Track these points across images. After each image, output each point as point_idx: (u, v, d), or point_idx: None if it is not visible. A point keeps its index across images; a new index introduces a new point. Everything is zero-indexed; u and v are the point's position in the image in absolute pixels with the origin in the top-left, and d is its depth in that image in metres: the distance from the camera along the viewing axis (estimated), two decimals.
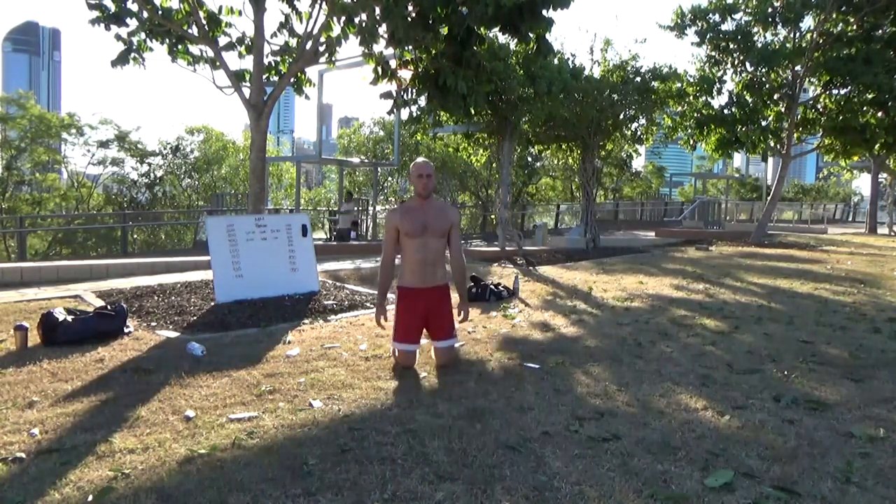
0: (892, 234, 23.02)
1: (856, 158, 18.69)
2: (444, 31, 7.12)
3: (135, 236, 26.41)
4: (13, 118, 30.42)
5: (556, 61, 12.10)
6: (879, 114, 14.82)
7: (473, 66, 7.42)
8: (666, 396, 3.49)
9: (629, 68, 13.31)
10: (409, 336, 4.02)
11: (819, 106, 16.27)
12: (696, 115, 15.76)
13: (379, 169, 29.66)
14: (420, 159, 4.15)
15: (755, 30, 15.33)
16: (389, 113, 8.91)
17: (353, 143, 35.35)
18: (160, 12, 7.11)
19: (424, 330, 4.12)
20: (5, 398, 3.47)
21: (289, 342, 4.75)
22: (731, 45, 15.29)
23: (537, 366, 4.07)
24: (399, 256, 4.16)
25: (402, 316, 4.06)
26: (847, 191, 53.45)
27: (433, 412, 3.19)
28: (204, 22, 7.15)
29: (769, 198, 17.56)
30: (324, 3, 6.95)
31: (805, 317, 5.86)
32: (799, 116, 15.94)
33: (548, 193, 37.65)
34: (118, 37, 7.33)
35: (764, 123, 15.88)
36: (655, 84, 13.40)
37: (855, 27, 14.63)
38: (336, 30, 7.06)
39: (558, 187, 37.47)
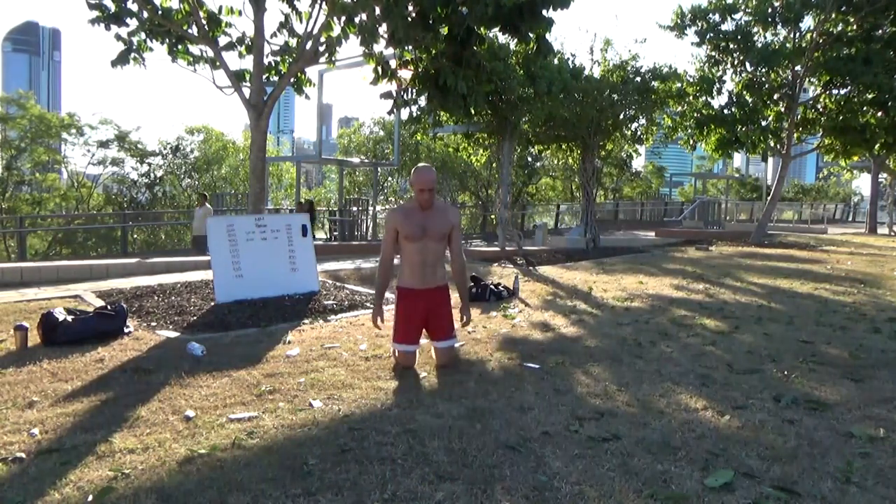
0: (892, 234, 23.03)
1: (856, 158, 18.69)
2: (444, 31, 7.13)
3: (135, 236, 26.42)
4: (13, 118, 30.46)
5: (556, 61, 12.11)
6: (879, 114, 14.81)
7: (473, 66, 7.42)
8: (666, 396, 3.49)
9: (629, 68, 13.32)
10: (409, 336, 4.02)
11: (819, 106, 16.28)
12: (696, 115, 15.77)
13: (379, 169, 29.68)
14: (422, 167, 4.01)
15: (755, 30, 15.34)
16: (389, 113, 8.92)
17: (353, 143, 35.40)
18: (160, 12, 7.11)
19: (424, 330, 4.12)
20: (5, 398, 3.47)
21: (289, 342, 4.75)
22: (731, 45, 15.30)
23: (537, 366, 4.07)
24: (398, 257, 4.15)
25: (402, 316, 4.06)
26: (847, 191, 53.46)
27: (433, 412, 3.19)
28: (204, 22, 7.15)
29: (769, 198, 17.57)
30: (324, 3, 6.95)
31: (805, 317, 5.86)
32: (799, 116, 15.94)
33: (548, 193, 37.66)
34: (118, 37, 7.34)
35: (764, 123, 15.89)
36: (655, 84, 13.41)
37: (855, 27, 14.63)
38: (336, 30, 7.06)
39: (558, 187, 37.48)
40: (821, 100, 16.19)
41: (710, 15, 15.34)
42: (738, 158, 45.64)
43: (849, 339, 4.99)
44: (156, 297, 6.49)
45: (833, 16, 14.50)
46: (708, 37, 15.41)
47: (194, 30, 7.17)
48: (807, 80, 15.51)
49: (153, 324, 5.45)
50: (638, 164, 39.74)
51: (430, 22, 6.89)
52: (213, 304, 6.15)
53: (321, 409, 3.25)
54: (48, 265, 8.82)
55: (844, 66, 14.01)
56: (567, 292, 7.28)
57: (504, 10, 6.55)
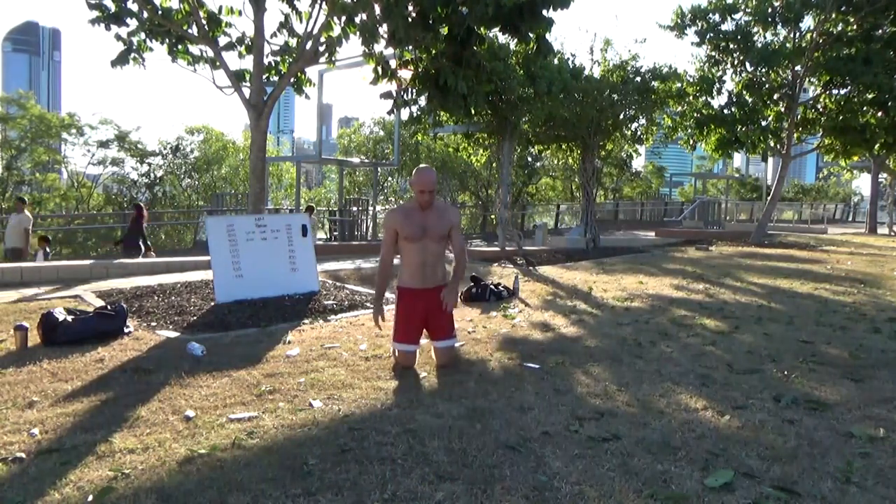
0: (892, 234, 23.03)
1: (856, 158, 18.69)
2: (444, 31, 7.13)
3: None
4: (13, 118, 30.46)
5: (556, 61, 12.12)
6: (879, 114, 14.82)
7: (473, 66, 7.43)
8: (666, 396, 3.49)
9: (629, 68, 13.32)
10: (409, 336, 4.02)
11: (819, 106, 16.28)
12: (696, 115, 15.77)
13: (379, 169, 29.68)
14: (423, 168, 4.01)
15: (755, 30, 15.34)
16: (389, 113, 8.92)
17: (353, 143, 35.40)
18: (160, 12, 7.12)
19: (424, 330, 4.12)
20: (5, 398, 3.47)
21: (289, 342, 4.75)
22: (731, 45, 15.30)
23: (537, 366, 4.07)
24: (398, 257, 4.16)
25: (402, 316, 4.06)
26: (847, 191, 53.46)
27: (433, 412, 3.19)
28: (204, 22, 7.15)
29: (769, 198, 17.57)
30: (324, 3, 6.95)
31: (805, 317, 5.86)
32: (799, 116, 15.94)
33: (548, 193, 37.67)
34: (118, 37, 7.34)
35: (764, 123, 15.90)
36: (655, 84, 13.41)
37: (855, 27, 14.63)
38: (336, 30, 7.07)
39: (558, 187, 37.49)
40: (821, 100, 16.19)
41: (710, 15, 15.35)
42: (738, 158, 45.71)
43: (849, 339, 4.99)
44: (156, 297, 6.49)
45: (833, 16, 14.50)
46: (708, 37, 15.41)
47: (194, 30, 7.17)
48: (807, 80, 15.51)
49: (153, 324, 5.45)
50: (638, 164, 39.80)
51: (431, 22, 6.90)
52: (213, 304, 6.15)
53: (321, 409, 3.25)
54: (48, 265, 8.82)
55: (844, 66, 14.01)
56: (567, 292, 7.28)
57: (504, 10, 6.55)
